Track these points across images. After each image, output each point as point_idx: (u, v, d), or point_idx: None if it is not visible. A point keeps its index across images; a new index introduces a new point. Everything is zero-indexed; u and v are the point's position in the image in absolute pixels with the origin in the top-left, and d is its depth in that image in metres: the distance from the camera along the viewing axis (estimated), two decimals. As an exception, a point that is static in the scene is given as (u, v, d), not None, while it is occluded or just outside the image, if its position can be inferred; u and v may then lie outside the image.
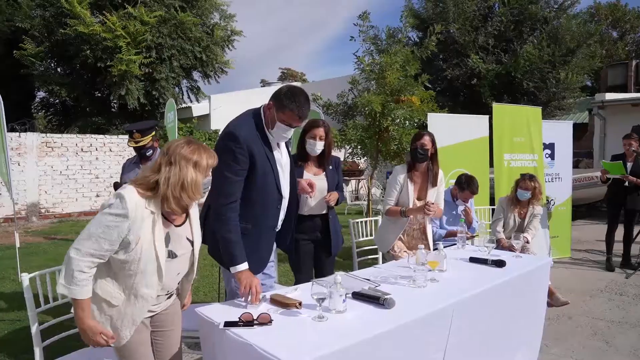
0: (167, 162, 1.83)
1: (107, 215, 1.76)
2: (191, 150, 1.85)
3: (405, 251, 3.50)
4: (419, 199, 3.51)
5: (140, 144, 3.76)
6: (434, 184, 3.53)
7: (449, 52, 14.77)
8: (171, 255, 1.92)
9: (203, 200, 2.08)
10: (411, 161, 3.53)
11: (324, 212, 3.19)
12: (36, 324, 2.22)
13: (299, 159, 3.16)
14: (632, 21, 26.61)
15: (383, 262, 3.94)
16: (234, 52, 16.53)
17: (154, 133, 3.86)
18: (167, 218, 1.91)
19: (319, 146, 3.06)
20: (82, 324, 1.80)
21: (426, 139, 3.46)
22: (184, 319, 2.25)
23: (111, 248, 1.76)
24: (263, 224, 2.45)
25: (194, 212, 2.07)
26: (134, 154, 3.97)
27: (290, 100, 2.27)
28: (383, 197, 4.22)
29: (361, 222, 4.35)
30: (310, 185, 2.85)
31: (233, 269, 2.25)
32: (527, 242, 4.35)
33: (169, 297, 2.07)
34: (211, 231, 2.32)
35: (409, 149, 3.70)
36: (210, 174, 1.94)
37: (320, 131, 3.07)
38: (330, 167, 3.20)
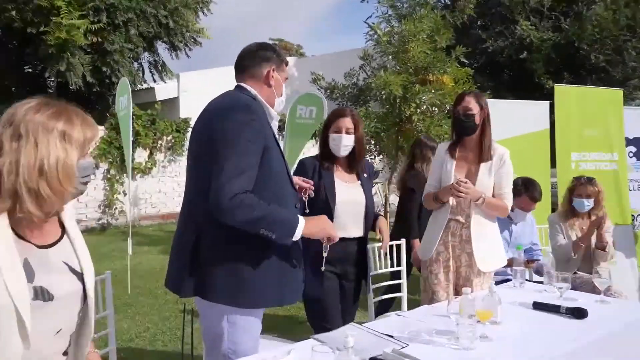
0: (12, 137, 1.45)
1: None
2: (52, 114, 1.49)
3: (445, 292, 3.21)
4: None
5: None
6: (485, 158, 3.20)
7: (490, 18, 14.72)
8: (42, 295, 1.49)
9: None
10: (453, 134, 3.32)
11: (361, 234, 3.11)
12: None
13: (324, 160, 3.11)
14: None
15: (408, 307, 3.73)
16: (210, 17, 16.41)
17: None
18: (21, 235, 1.51)
19: (345, 141, 3.00)
20: None
21: (470, 101, 3.19)
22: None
23: None
24: None
25: (72, 222, 1.69)
26: None
27: (277, 52, 2.39)
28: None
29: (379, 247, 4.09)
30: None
31: (298, 233, 2.18)
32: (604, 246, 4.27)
33: None
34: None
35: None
36: (88, 154, 1.56)
37: (347, 121, 3.02)
38: (365, 175, 3.15)
